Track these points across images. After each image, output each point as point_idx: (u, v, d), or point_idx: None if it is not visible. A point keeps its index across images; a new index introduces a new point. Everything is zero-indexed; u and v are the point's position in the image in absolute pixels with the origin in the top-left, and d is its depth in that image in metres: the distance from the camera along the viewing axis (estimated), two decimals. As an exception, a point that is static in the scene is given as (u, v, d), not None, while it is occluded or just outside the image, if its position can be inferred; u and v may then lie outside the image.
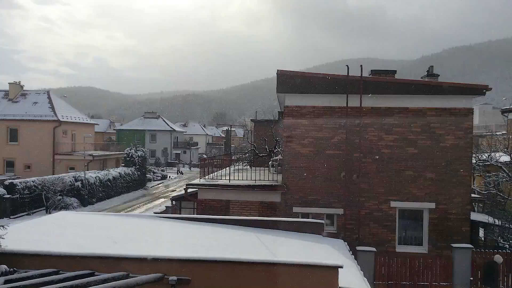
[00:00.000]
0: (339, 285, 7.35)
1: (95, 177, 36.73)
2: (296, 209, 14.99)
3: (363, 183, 14.78)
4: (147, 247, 8.66)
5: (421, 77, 19.24)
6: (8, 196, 28.79)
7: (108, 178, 38.88)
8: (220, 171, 18.25)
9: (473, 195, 17.56)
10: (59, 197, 31.93)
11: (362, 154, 14.78)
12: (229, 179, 15.72)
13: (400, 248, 14.63)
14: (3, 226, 7.58)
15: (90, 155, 42.24)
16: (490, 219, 16.69)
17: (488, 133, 33.01)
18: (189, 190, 16.28)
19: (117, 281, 6.88)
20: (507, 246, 15.64)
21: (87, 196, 34.76)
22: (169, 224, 11.91)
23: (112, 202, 37.44)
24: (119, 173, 41.52)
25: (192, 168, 74.08)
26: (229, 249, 9.36)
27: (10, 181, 30.77)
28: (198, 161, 70.36)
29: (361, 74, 14.80)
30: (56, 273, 7.33)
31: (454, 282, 13.22)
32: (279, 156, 19.77)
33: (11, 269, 7.16)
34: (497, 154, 21.00)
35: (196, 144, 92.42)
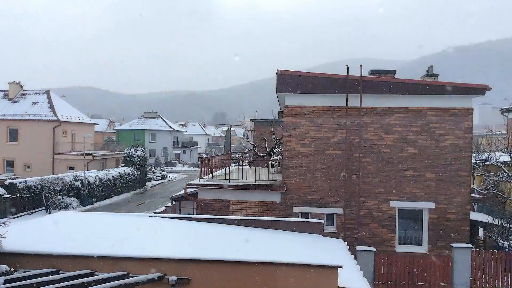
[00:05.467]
0: (339, 285, 7.36)
1: (95, 177, 36.72)
2: (296, 209, 14.99)
3: (363, 183, 14.77)
4: (147, 247, 8.66)
5: (421, 77, 19.24)
6: (8, 196, 28.77)
7: (108, 178, 38.88)
8: (220, 171, 18.24)
9: (473, 195, 17.56)
10: (59, 197, 31.91)
11: (362, 154, 14.78)
12: (229, 179, 15.72)
13: (400, 248, 14.63)
14: (4, 223, 7.59)
15: (90, 155, 42.22)
16: (490, 219, 16.69)
17: (488, 133, 32.94)
18: (189, 190, 16.28)
19: (117, 281, 6.89)
20: (507, 246, 15.64)
21: (87, 195, 34.75)
22: (168, 224, 11.91)
23: (111, 201, 37.46)
24: (119, 173, 41.51)
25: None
26: (229, 249, 9.36)
27: (10, 181, 30.74)
28: (197, 161, 70.37)
29: (361, 74, 14.80)
30: (56, 273, 7.33)
31: (454, 282, 13.22)
32: (279, 156, 19.77)
33: (11, 269, 7.16)
34: (497, 154, 20.99)
35: (196, 144, 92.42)
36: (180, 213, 20.46)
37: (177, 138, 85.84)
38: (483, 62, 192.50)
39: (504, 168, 19.25)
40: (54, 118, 42.80)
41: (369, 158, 14.80)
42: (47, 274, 7.17)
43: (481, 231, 18.81)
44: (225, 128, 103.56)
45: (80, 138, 45.14)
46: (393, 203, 14.69)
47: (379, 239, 14.62)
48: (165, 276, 7.30)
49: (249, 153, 29.43)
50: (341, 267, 7.30)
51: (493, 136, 29.15)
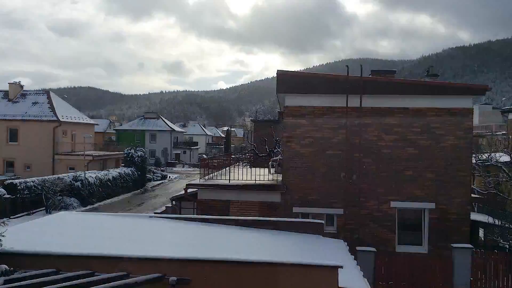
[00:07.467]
0: (339, 285, 7.35)
1: (95, 177, 36.71)
2: (296, 209, 14.97)
3: (363, 183, 14.77)
4: (147, 247, 8.65)
5: (421, 77, 19.27)
6: (8, 196, 28.75)
7: (108, 178, 38.86)
8: (220, 171, 18.24)
9: (473, 195, 17.56)
10: (59, 197, 31.90)
11: (362, 154, 14.78)
12: (229, 179, 15.72)
13: (400, 248, 14.62)
14: (3, 223, 7.58)
15: (90, 155, 42.22)
16: (490, 219, 16.69)
17: (488, 133, 32.97)
18: (189, 190, 16.28)
19: (117, 281, 6.88)
20: (507, 246, 15.64)
21: (87, 196, 34.74)
22: (169, 224, 11.91)
23: (111, 202, 37.45)
24: (119, 173, 41.49)
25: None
26: (229, 249, 9.36)
27: (10, 181, 30.76)
28: (198, 161, 70.39)
29: (361, 74, 14.81)
30: (56, 273, 7.32)
31: (454, 282, 13.21)
32: (279, 156, 19.75)
33: (11, 269, 7.14)
34: (497, 154, 20.98)
35: (196, 144, 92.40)
36: (180, 214, 20.44)
37: (177, 138, 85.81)
38: (483, 62, 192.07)
39: (504, 169, 19.25)
40: (54, 118, 42.80)
41: (369, 158, 14.79)
42: (47, 274, 7.15)
43: (481, 232, 18.80)
44: (225, 128, 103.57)
45: (80, 138, 45.16)
46: (393, 204, 14.69)
47: (379, 240, 14.61)
48: (165, 277, 7.28)
49: (249, 154, 29.43)
50: (341, 267, 7.28)
51: (493, 136, 29.17)
